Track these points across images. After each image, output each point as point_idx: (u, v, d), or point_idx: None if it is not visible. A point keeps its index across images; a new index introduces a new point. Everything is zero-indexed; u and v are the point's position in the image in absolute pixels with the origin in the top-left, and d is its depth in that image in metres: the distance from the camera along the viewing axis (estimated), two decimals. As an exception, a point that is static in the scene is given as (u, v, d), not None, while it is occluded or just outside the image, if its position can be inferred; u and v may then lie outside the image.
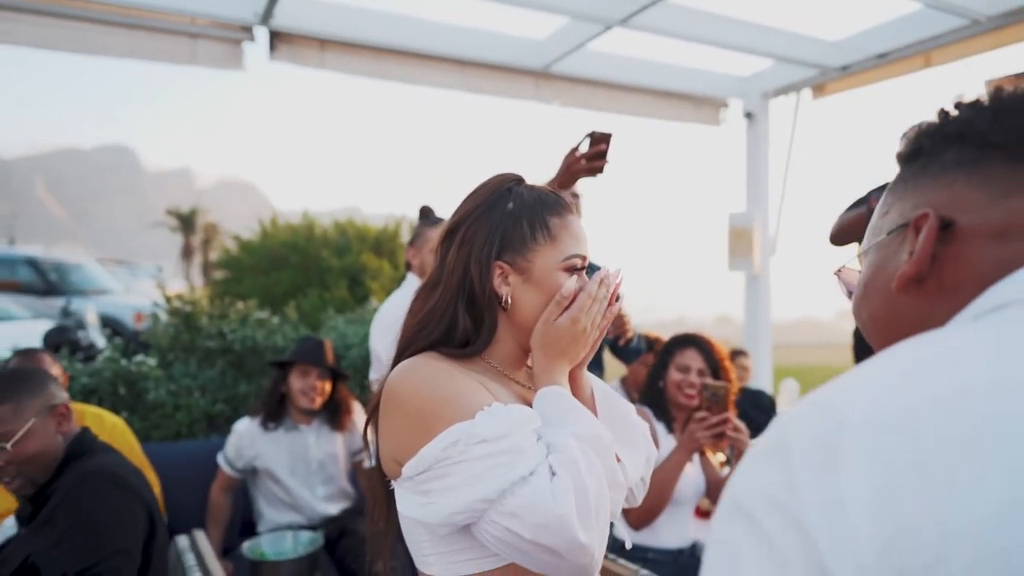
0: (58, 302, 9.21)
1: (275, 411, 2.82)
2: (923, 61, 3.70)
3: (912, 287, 0.58)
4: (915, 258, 0.56)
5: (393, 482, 0.96)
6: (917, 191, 0.60)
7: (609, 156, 1.89)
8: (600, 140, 1.87)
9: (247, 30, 3.35)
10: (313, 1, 3.40)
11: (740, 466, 0.47)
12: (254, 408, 2.87)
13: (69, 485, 1.53)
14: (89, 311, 6.32)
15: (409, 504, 0.90)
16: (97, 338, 5.69)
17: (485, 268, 0.98)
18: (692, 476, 2.22)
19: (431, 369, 0.94)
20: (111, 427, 2.46)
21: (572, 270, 1.01)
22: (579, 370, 1.04)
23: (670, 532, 2.22)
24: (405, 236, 7.41)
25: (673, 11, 3.40)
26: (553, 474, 0.84)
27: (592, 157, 1.87)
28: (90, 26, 3.09)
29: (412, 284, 2.64)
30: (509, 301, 1.00)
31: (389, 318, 2.61)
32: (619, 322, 2.35)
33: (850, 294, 0.69)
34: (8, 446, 1.54)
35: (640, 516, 2.14)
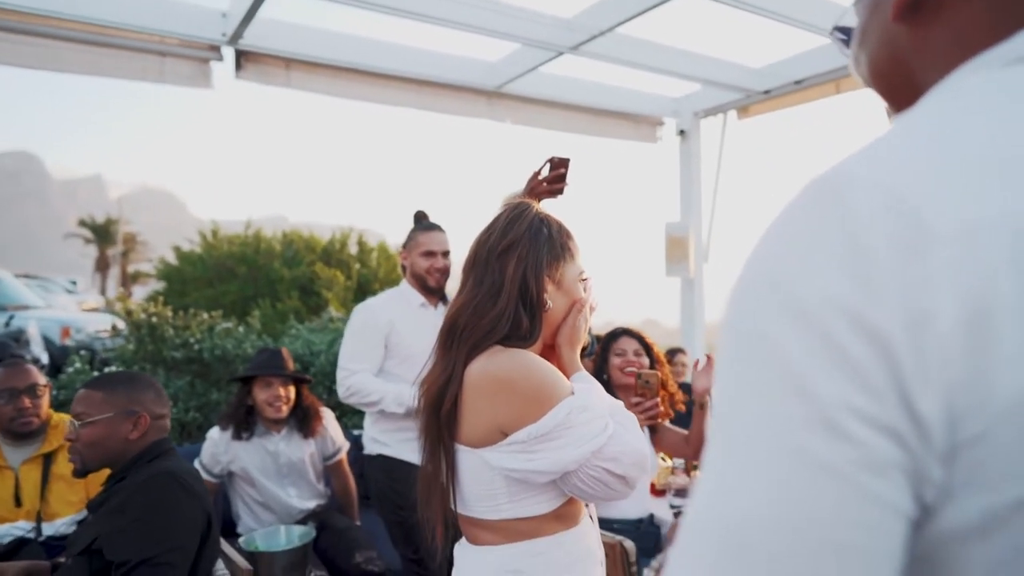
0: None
1: (243, 423, 2.90)
2: (834, 88, 4.16)
3: (909, 13, 0.49)
4: None
5: (476, 448, 1.17)
6: None
7: (568, 179, 2.05)
8: (559, 164, 2.03)
9: (215, 49, 3.46)
10: (281, 22, 3.55)
11: (781, 248, 0.40)
12: (221, 422, 2.95)
13: (142, 480, 1.69)
14: (31, 326, 6.13)
15: (514, 460, 1.13)
16: (40, 354, 5.54)
17: (541, 279, 1.24)
18: None
19: (531, 358, 1.18)
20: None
21: (582, 280, 1.32)
22: None
23: (629, 505, 2.51)
24: (354, 248, 7.52)
25: (617, 40, 3.73)
26: (625, 428, 1.18)
27: (552, 180, 2.02)
28: (59, 43, 3.15)
29: (404, 286, 2.81)
30: (550, 305, 1.26)
31: (370, 311, 2.74)
32: None
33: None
34: (79, 424, 1.73)
35: None
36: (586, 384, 1.23)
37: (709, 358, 2.46)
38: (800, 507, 0.35)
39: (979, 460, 0.34)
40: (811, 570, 0.35)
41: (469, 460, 1.19)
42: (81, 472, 1.80)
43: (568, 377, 1.25)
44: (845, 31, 0.60)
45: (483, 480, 1.18)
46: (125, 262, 50.35)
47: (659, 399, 2.43)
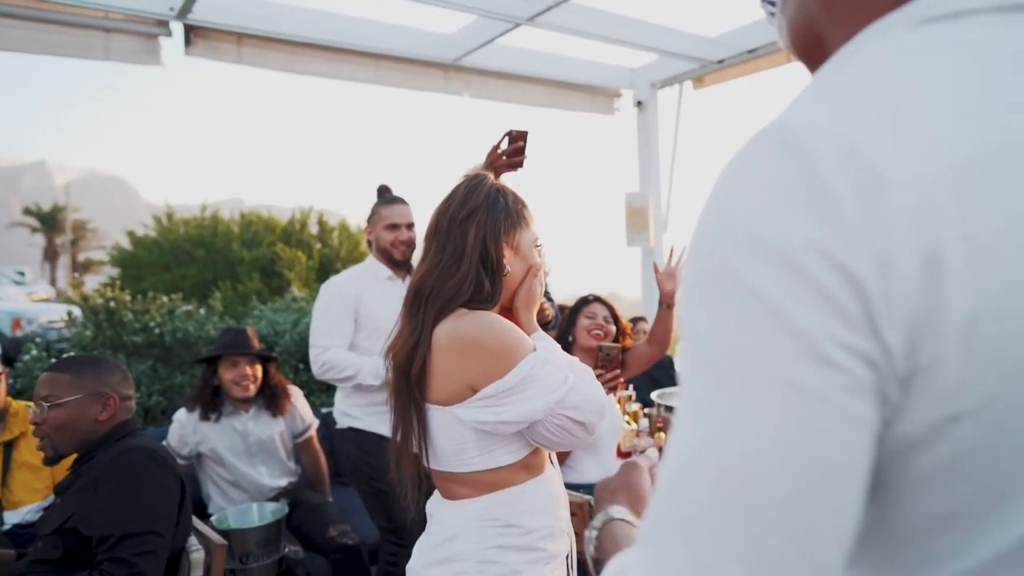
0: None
1: (211, 404, 2.88)
2: (786, 57, 4.24)
3: None
4: None
5: (447, 406, 1.25)
6: None
7: (527, 152, 2.06)
8: (518, 138, 2.04)
9: (163, 24, 3.36)
10: (230, -4, 3.46)
11: (744, 192, 0.42)
12: (188, 404, 2.93)
13: (113, 456, 1.69)
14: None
15: (484, 414, 1.22)
16: (-8, 344, 5.38)
17: (500, 245, 1.31)
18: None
19: (496, 319, 1.26)
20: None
21: (537, 247, 1.39)
22: None
23: (596, 470, 2.58)
24: (314, 227, 7.43)
25: (574, 10, 3.74)
26: (583, 380, 1.26)
27: (512, 154, 2.03)
28: (-4, 20, 3.03)
29: (371, 261, 2.81)
30: (508, 269, 1.33)
31: (338, 286, 2.76)
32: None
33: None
34: (47, 407, 1.72)
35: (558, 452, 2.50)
36: (545, 342, 1.32)
37: (670, 257, 2.59)
38: (801, 435, 0.38)
39: (928, 382, 0.39)
40: (813, 493, 0.38)
41: (440, 417, 1.26)
42: (53, 459, 1.79)
43: (530, 332, 1.33)
44: (772, 2, 0.63)
45: (454, 435, 1.25)
46: (75, 250, 48.74)
47: (619, 371, 2.51)
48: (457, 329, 1.24)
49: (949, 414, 0.39)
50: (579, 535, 1.95)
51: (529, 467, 1.31)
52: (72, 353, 3.59)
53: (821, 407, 0.38)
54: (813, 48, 0.56)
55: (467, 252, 1.29)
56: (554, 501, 1.35)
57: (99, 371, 1.84)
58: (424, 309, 1.28)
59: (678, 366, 0.45)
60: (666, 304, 2.54)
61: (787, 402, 0.38)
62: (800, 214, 0.39)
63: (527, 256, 1.37)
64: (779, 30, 0.60)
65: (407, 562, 1.34)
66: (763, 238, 0.39)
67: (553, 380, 1.23)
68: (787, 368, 0.38)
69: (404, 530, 2.60)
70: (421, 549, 1.32)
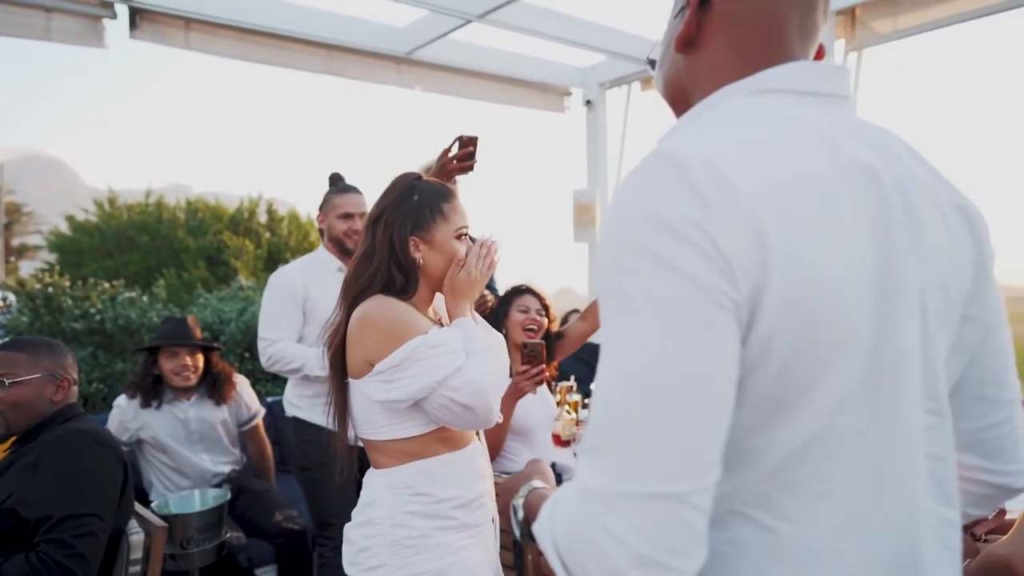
0: None
1: (151, 392, 2.87)
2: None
3: (685, 46, 0.75)
4: (684, 22, 0.74)
5: (357, 380, 1.39)
6: None
7: (477, 156, 2.10)
8: (468, 143, 2.08)
9: (107, 6, 3.30)
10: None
11: (644, 192, 0.59)
12: (128, 390, 2.91)
13: (56, 438, 1.72)
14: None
15: (377, 390, 1.35)
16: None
17: (405, 242, 1.44)
18: (537, 407, 2.66)
19: (392, 303, 1.41)
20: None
21: (460, 238, 1.49)
22: (470, 306, 1.52)
23: (531, 459, 2.66)
24: (263, 216, 7.33)
25: (524, 9, 3.81)
26: (478, 364, 1.36)
27: (462, 158, 2.07)
28: (-71, -5, 2.93)
29: (321, 251, 2.81)
30: (422, 262, 1.44)
31: (285, 277, 2.76)
32: (480, 299, 2.71)
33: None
34: (8, 383, 1.76)
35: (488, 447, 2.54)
36: (456, 328, 1.42)
37: None
38: (704, 351, 0.55)
39: (755, 329, 0.58)
40: (714, 389, 0.55)
41: (354, 390, 1.41)
42: (3, 436, 1.82)
43: (451, 321, 1.44)
44: (653, 61, 0.86)
45: (364, 406, 1.39)
46: (9, 235, 46.50)
47: (544, 366, 2.53)
48: (360, 311, 1.39)
49: (764, 350, 0.58)
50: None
51: (445, 440, 1.42)
52: (7, 339, 3.51)
53: (716, 332, 0.55)
54: (679, 98, 0.78)
55: (376, 249, 1.43)
56: (475, 474, 1.45)
57: (53, 353, 1.89)
58: (344, 298, 1.44)
59: (602, 326, 0.60)
60: None
61: (695, 330, 0.55)
62: (683, 203, 0.56)
63: (445, 248, 1.46)
64: (656, 81, 0.83)
65: (332, 553, 1.46)
66: (658, 216, 0.57)
67: (437, 362, 1.33)
68: (693, 308, 0.55)
69: (327, 524, 2.62)
70: (354, 512, 1.44)
